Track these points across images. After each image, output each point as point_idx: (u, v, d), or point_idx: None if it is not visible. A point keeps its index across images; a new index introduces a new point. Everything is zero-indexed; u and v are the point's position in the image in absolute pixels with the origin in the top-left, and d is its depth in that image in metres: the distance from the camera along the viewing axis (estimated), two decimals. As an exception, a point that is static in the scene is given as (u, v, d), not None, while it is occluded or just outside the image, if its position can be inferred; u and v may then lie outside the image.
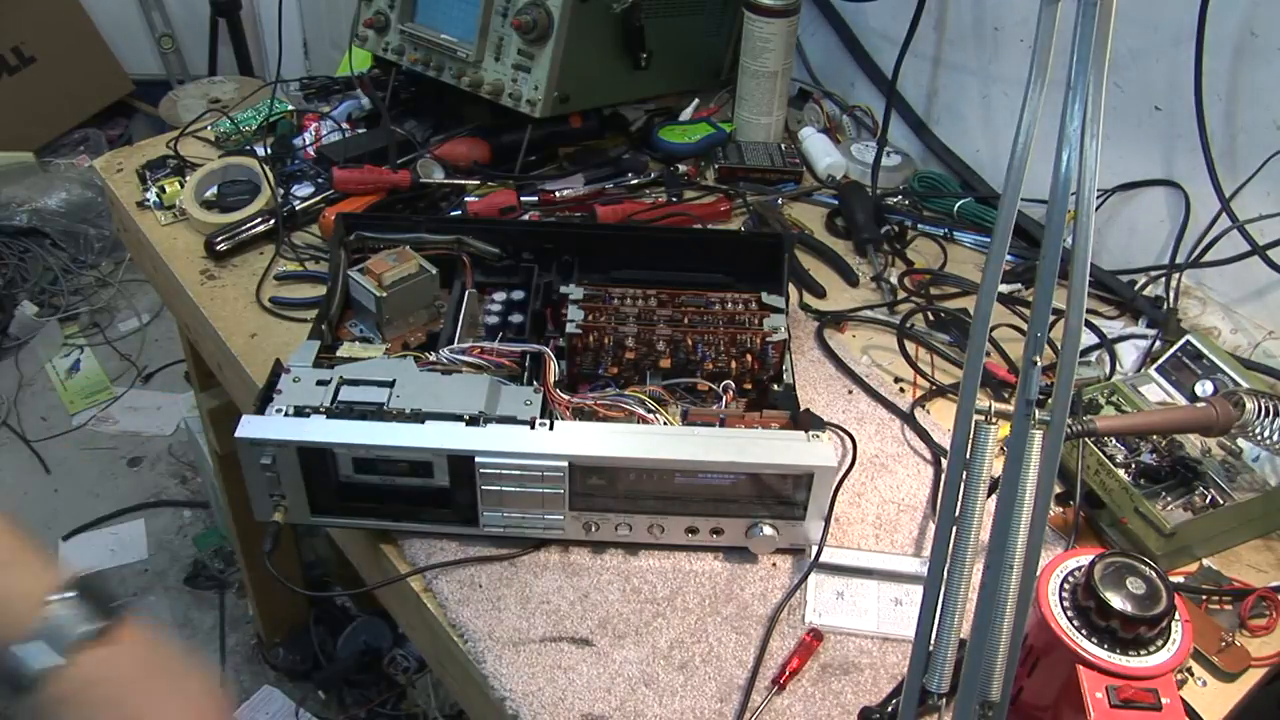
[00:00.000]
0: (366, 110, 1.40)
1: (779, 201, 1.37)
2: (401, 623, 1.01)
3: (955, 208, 1.34)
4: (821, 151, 1.44)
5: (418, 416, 0.88)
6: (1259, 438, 0.89)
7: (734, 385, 0.97)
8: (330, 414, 0.87)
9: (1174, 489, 0.94)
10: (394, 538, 0.93)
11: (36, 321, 2.75)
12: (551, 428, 0.87)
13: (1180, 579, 0.92)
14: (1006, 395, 1.08)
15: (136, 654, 0.71)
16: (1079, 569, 0.73)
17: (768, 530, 0.90)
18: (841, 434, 1.02)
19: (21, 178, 2.87)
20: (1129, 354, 1.14)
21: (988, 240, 1.26)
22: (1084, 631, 0.70)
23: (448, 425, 0.87)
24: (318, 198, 1.27)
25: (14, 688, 0.66)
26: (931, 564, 0.66)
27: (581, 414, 0.93)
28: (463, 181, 1.32)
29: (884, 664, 0.86)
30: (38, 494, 2.40)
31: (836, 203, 1.37)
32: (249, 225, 1.24)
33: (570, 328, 0.98)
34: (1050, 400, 0.60)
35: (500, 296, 1.09)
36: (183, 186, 1.30)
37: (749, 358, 0.99)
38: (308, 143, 1.36)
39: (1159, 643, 0.70)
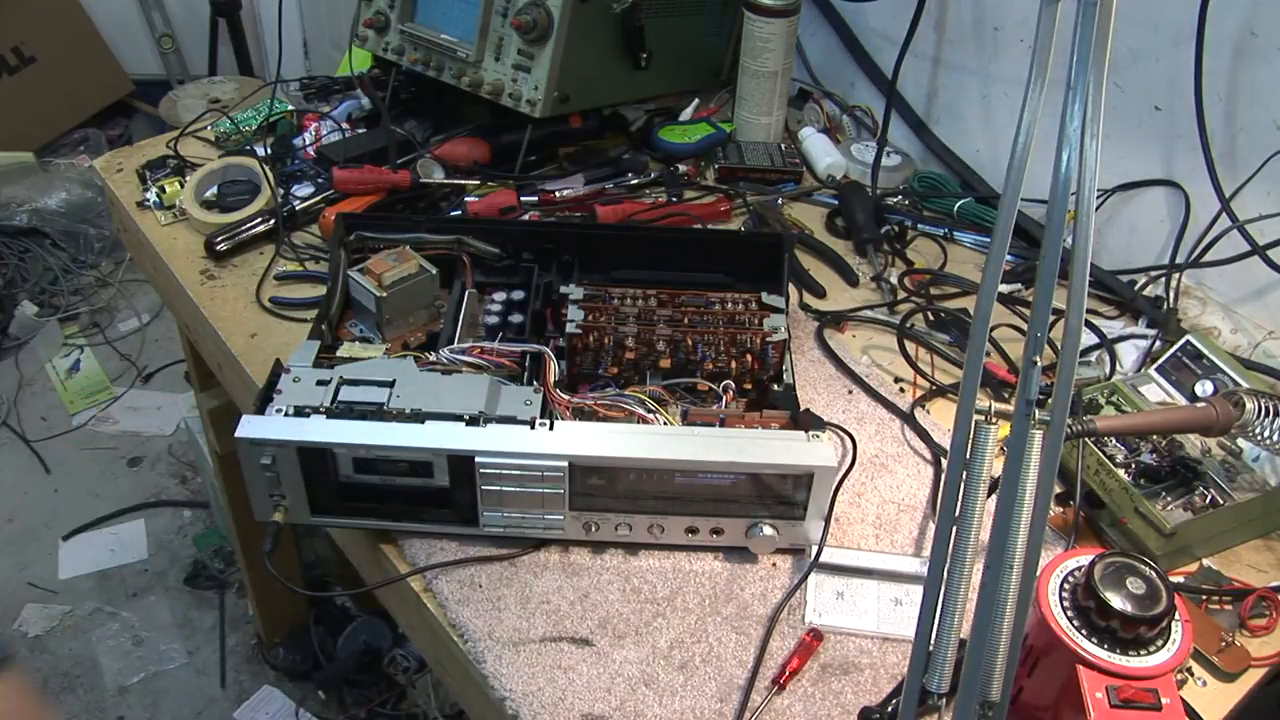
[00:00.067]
0: (366, 110, 1.40)
1: (779, 201, 1.37)
2: (401, 623, 1.01)
3: (955, 208, 1.34)
4: (821, 151, 1.44)
5: (418, 416, 0.88)
6: (1259, 438, 0.89)
7: (734, 385, 0.97)
8: (330, 414, 0.87)
9: (1174, 489, 0.94)
10: (394, 538, 0.93)
11: (36, 321, 2.76)
12: (551, 428, 0.87)
13: (1180, 579, 0.92)
14: (1006, 395, 1.08)
15: (9, 701, 0.77)
16: (1079, 569, 0.73)
17: (768, 530, 0.90)
18: (841, 434, 1.02)
19: (21, 178, 2.88)
20: (1129, 354, 1.14)
21: (988, 240, 1.26)
22: (1084, 631, 0.70)
23: (448, 425, 0.87)
24: (318, 198, 1.27)
25: None
26: (931, 564, 0.66)
27: (581, 414, 0.93)
28: (463, 181, 1.32)
29: (884, 664, 0.86)
30: (38, 494, 2.41)
31: (836, 203, 1.37)
32: (249, 225, 1.24)
33: (570, 328, 0.98)
34: (1050, 400, 0.60)
35: (500, 296, 1.09)
36: (183, 186, 1.30)
37: (749, 358, 0.99)
38: (308, 143, 1.36)
39: (1159, 643, 0.70)
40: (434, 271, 1.05)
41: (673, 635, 0.87)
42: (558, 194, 1.31)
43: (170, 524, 2.36)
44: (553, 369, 0.95)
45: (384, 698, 1.96)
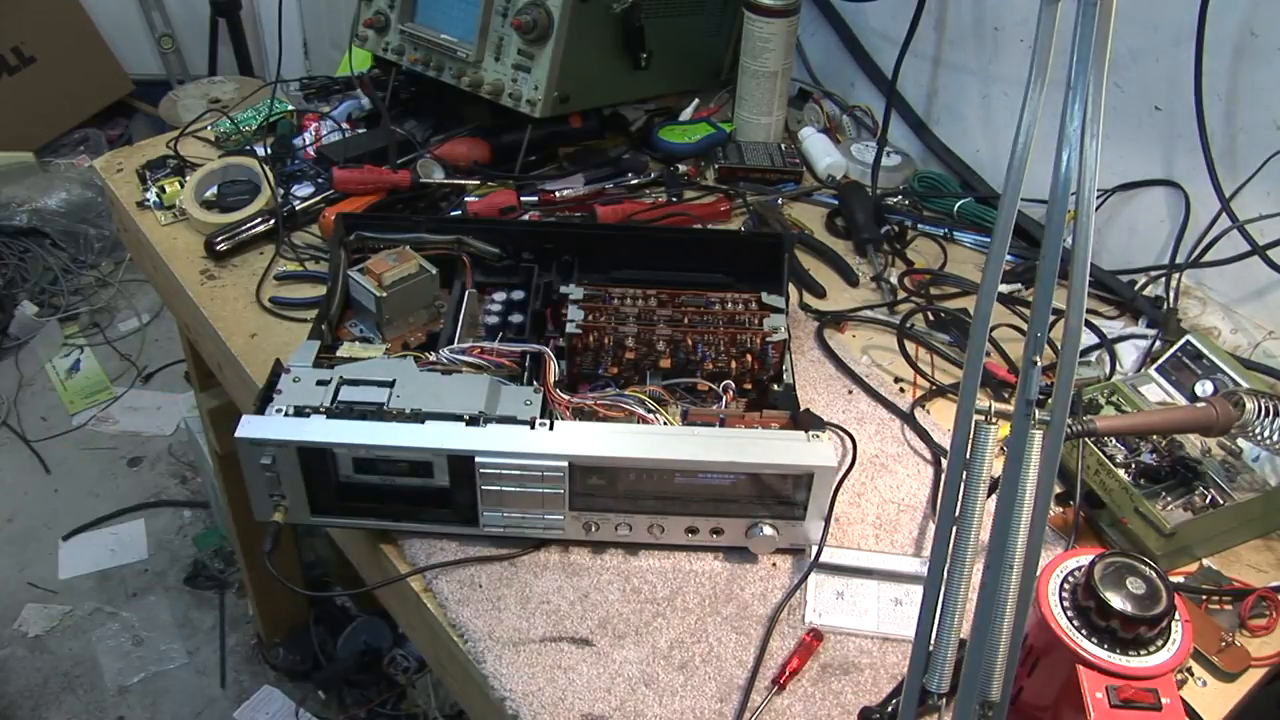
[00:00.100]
0: (366, 110, 1.40)
1: (779, 201, 1.37)
2: (401, 623, 1.01)
3: (955, 208, 1.34)
4: (821, 151, 1.44)
5: (418, 416, 0.88)
6: (1259, 438, 0.89)
7: (734, 385, 0.97)
8: (330, 414, 0.87)
9: (1174, 489, 0.94)
10: (394, 538, 0.93)
11: (36, 321, 2.76)
12: (551, 428, 0.87)
13: (1180, 579, 0.92)
14: (1006, 395, 1.08)
15: None
16: (1079, 569, 0.73)
17: (768, 530, 0.90)
18: (841, 434, 1.02)
19: (21, 178, 2.88)
20: (1129, 354, 1.14)
21: (988, 240, 1.26)
22: (1084, 631, 0.70)
23: (448, 425, 0.87)
24: (318, 198, 1.27)
25: None
26: (931, 564, 0.66)
27: (581, 414, 0.93)
28: (463, 181, 1.32)
29: (884, 664, 0.86)
30: (38, 494, 2.41)
31: (836, 203, 1.37)
32: (249, 225, 1.24)
33: (570, 328, 0.98)
34: (1050, 400, 0.60)
35: (500, 296, 1.09)
36: (183, 186, 1.30)
37: (749, 358, 0.99)
38: (308, 143, 1.36)
39: (1159, 643, 0.70)
40: (434, 271, 1.05)
41: (673, 635, 0.87)
42: (558, 194, 1.31)
43: (170, 524, 2.36)
44: (553, 369, 0.95)
45: (384, 698, 1.96)
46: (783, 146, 1.46)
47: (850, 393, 1.10)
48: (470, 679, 0.86)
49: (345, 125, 1.39)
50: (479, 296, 1.08)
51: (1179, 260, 1.19)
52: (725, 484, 0.88)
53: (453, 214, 1.28)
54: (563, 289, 1.03)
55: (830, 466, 0.87)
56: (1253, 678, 0.86)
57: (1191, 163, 1.15)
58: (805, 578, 0.90)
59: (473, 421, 0.87)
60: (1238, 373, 1.01)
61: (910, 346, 1.14)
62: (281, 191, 1.28)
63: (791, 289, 1.12)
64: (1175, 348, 1.06)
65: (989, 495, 0.65)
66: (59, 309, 2.81)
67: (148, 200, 1.30)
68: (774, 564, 0.93)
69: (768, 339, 0.98)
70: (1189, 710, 0.80)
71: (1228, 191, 1.11)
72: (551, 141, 1.39)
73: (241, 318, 1.16)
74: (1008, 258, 1.22)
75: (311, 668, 2.05)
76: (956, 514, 0.65)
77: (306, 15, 2.92)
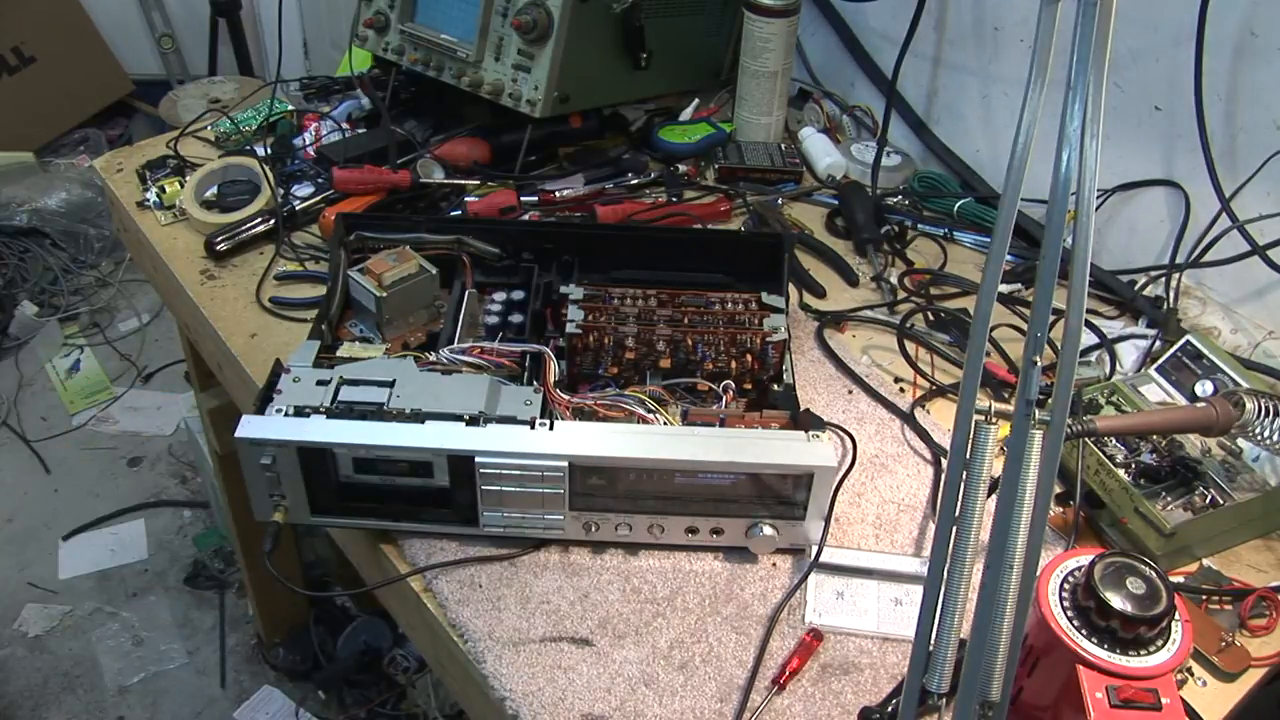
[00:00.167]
0: (366, 110, 1.40)
1: (779, 201, 1.37)
2: (401, 623, 1.01)
3: (955, 208, 1.34)
4: (821, 151, 1.44)
5: (418, 416, 0.88)
6: (1259, 438, 0.89)
7: (734, 385, 0.97)
8: (330, 414, 0.87)
9: (1174, 489, 0.94)
10: (394, 538, 0.93)
11: (36, 321, 2.76)
12: (551, 428, 0.87)
13: (1180, 579, 0.92)
14: (1006, 395, 1.08)
15: None
16: (1079, 569, 0.73)
17: (768, 530, 0.90)
18: (841, 434, 1.02)
19: (21, 178, 2.88)
20: (1129, 354, 1.14)
21: (988, 240, 1.26)
22: (1084, 631, 0.70)
23: (448, 425, 0.87)
24: (318, 198, 1.27)
25: None
26: (931, 564, 0.66)
27: (581, 414, 0.93)
28: (463, 181, 1.32)
29: (884, 664, 0.86)
30: (38, 494, 2.41)
31: (836, 203, 1.37)
32: (249, 225, 1.24)
33: (570, 328, 0.98)
34: (1050, 400, 0.60)
35: (500, 296, 1.09)
36: (183, 186, 1.30)
37: (749, 358, 0.99)
38: (308, 143, 1.36)
39: (1159, 643, 0.70)
40: (434, 271, 1.05)
41: (673, 635, 0.87)
42: (558, 194, 1.31)
43: (170, 524, 2.36)
44: (553, 369, 0.95)
45: (384, 698, 1.96)
46: (783, 146, 1.46)
47: (850, 393, 1.10)
48: (470, 679, 0.86)
49: (345, 125, 1.39)
50: (479, 296, 1.08)
51: (1179, 260, 1.19)
52: (725, 484, 0.88)
53: (453, 214, 1.28)
54: (563, 289, 1.03)
55: (830, 466, 0.87)
56: (1253, 678, 0.86)
57: (1191, 163, 1.15)
58: (805, 578, 0.90)
59: (473, 421, 0.87)
60: (1238, 373, 1.01)
61: (910, 346, 1.14)
62: (281, 191, 1.28)
63: (791, 289, 1.12)
64: (1175, 348, 1.06)
65: (989, 495, 0.65)
66: (59, 309, 2.81)
67: (148, 200, 1.30)
68: (774, 564, 0.93)
69: (768, 339, 0.98)
70: (1189, 710, 0.80)
71: (1228, 191, 1.11)
72: (551, 141, 1.39)
73: (241, 318, 1.16)
74: (1008, 258, 1.22)
75: (311, 668, 2.05)
76: (956, 514, 0.65)
77: (306, 15, 2.92)
